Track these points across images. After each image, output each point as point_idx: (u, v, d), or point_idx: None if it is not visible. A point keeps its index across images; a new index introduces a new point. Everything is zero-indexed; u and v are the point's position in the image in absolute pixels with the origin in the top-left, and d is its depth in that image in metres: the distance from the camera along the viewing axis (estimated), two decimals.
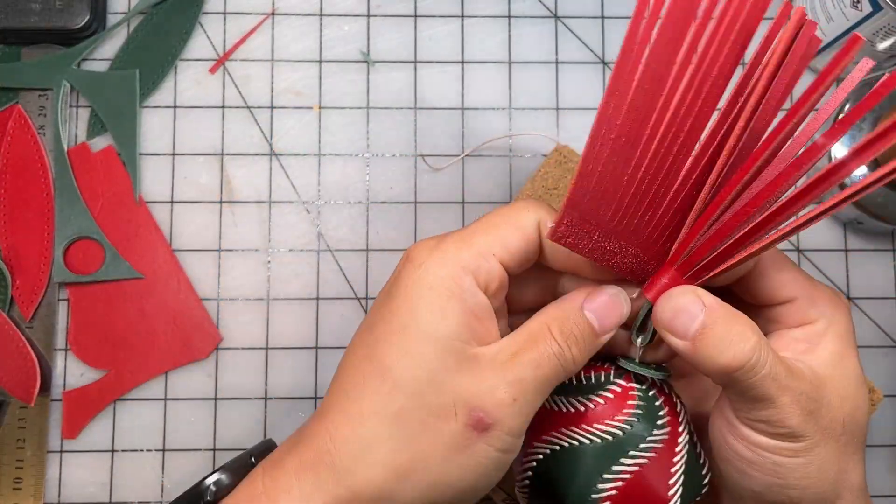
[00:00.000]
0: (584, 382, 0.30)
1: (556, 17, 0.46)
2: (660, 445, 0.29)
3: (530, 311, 0.30)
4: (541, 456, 0.30)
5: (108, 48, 0.45)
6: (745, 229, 0.27)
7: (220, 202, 0.44)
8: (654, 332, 0.30)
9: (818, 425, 0.28)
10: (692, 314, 0.27)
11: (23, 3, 0.44)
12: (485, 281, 0.29)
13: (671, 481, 0.29)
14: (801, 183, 0.26)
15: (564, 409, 0.30)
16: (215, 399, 0.43)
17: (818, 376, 0.28)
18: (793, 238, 0.45)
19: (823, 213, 0.26)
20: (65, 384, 0.43)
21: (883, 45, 0.41)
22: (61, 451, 0.42)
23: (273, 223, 0.44)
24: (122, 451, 0.43)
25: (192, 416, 0.43)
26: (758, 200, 0.27)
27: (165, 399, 0.43)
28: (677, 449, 0.29)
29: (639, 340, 0.30)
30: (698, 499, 0.30)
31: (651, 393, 0.30)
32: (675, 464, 0.29)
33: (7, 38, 0.44)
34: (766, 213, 0.26)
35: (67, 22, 0.44)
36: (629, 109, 0.26)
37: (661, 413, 0.30)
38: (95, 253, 0.43)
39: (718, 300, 0.28)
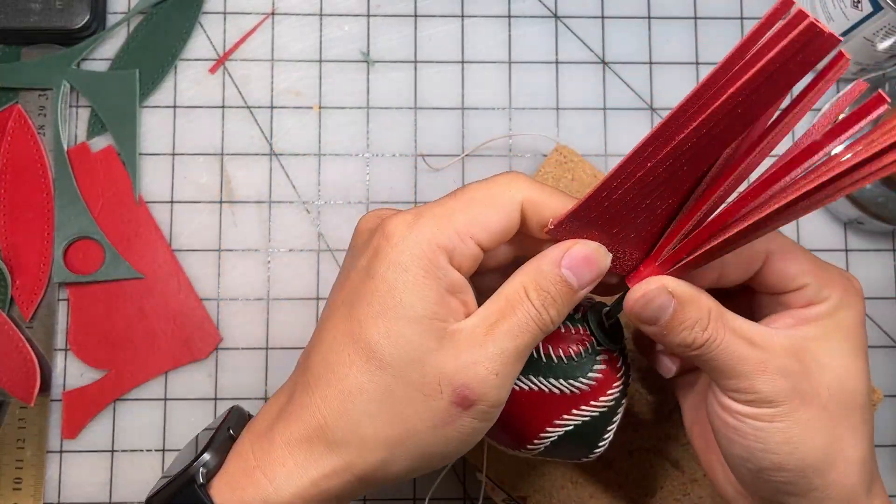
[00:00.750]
0: (576, 360, 0.32)
1: (556, 17, 0.46)
2: (625, 396, 0.33)
3: (497, 270, 0.31)
4: (555, 437, 0.32)
5: (108, 48, 0.45)
6: (724, 227, 0.28)
7: (220, 202, 0.44)
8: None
9: (795, 392, 0.29)
10: (663, 304, 0.29)
11: (23, 3, 0.44)
12: (458, 263, 0.29)
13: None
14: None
15: (569, 392, 0.32)
16: (215, 399, 0.43)
17: (797, 346, 0.30)
18: (793, 237, 0.45)
19: (800, 199, 0.26)
20: (65, 384, 0.43)
21: (883, 45, 0.41)
22: (61, 451, 0.42)
23: (273, 223, 0.44)
24: (122, 451, 0.43)
25: (192, 416, 0.43)
26: (740, 205, 0.27)
27: (165, 399, 0.43)
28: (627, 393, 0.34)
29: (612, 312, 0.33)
30: None
31: (625, 358, 0.33)
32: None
33: (7, 38, 0.44)
34: (745, 213, 0.27)
35: (67, 22, 0.44)
36: (666, 156, 0.26)
37: (629, 373, 0.33)
38: (95, 253, 0.43)
39: (679, 283, 0.29)
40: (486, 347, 0.28)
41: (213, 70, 0.45)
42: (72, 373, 0.43)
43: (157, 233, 0.44)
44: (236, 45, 0.45)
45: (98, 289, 0.43)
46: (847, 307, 0.31)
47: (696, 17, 0.46)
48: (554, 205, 0.29)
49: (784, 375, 0.29)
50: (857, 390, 0.31)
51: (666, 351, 0.35)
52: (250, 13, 0.46)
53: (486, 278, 0.31)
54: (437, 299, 0.28)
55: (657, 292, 0.29)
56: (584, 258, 0.29)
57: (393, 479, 0.29)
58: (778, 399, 0.29)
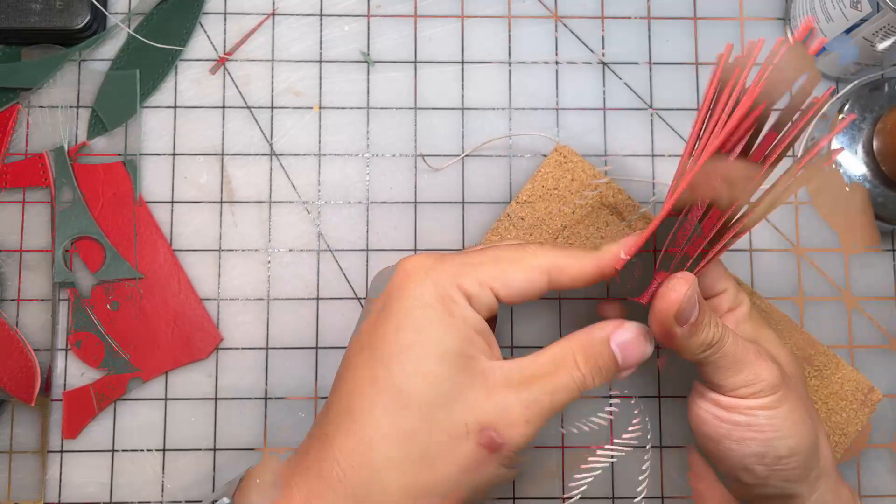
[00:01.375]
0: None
1: (556, 17, 0.46)
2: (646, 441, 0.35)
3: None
4: (583, 485, 0.33)
5: (108, 48, 0.45)
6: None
7: (220, 202, 0.44)
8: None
9: (782, 377, 0.31)
10: (694, 300, 0.30)
11: (23, 3, 0.44)
12: (477, 309, 0.29)
13: None
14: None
15: (587, 429, 0.33)
16: (215, 399, 0.43)
17: (755, 342, 0.32)
18: (793, 238, 0.45)
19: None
20: (65, 384, 0.43)
21: (882, 45, 0.41)
22: (61, 451, 0.42)
23: (273, 223, 0.44)
24: (122, 451, 0.43)
25: (192, 416, 0.43)
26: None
27: (165, 399, 0.43)
28: None
29: None
30: None
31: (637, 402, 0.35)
32: None
33: (7, 38, 0.44)
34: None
35: (67, 22, 0.44)
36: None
37: (644, 416, 0.35)
38: (95, 253, 0.43)
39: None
40: (520, 393, 0.28)
41: (213, 70, 0.45)
42: (72, 373, 0.43)
43: (157, 233, 0.44)
44: (236, 46, 0.45)
45: (98, 289, 0.43)
46: (749, 304, 0.34)
47: (695, 18, 0.46)
48: (578, 265, 0.30)
49: (773, 362, 0.31)
50: (796, 373, 0.34)
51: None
52: (250, 13, 0.46)
53: None
54: (464, 335, 0.28)
55: (693, 288, 0.29)
56: (635, 340, 0.30)
57: None
58: (777, 383, 0.30)
